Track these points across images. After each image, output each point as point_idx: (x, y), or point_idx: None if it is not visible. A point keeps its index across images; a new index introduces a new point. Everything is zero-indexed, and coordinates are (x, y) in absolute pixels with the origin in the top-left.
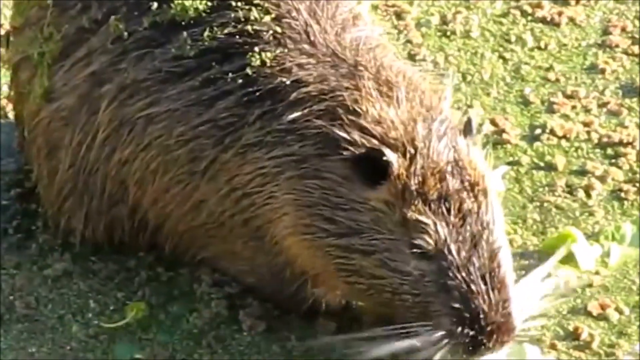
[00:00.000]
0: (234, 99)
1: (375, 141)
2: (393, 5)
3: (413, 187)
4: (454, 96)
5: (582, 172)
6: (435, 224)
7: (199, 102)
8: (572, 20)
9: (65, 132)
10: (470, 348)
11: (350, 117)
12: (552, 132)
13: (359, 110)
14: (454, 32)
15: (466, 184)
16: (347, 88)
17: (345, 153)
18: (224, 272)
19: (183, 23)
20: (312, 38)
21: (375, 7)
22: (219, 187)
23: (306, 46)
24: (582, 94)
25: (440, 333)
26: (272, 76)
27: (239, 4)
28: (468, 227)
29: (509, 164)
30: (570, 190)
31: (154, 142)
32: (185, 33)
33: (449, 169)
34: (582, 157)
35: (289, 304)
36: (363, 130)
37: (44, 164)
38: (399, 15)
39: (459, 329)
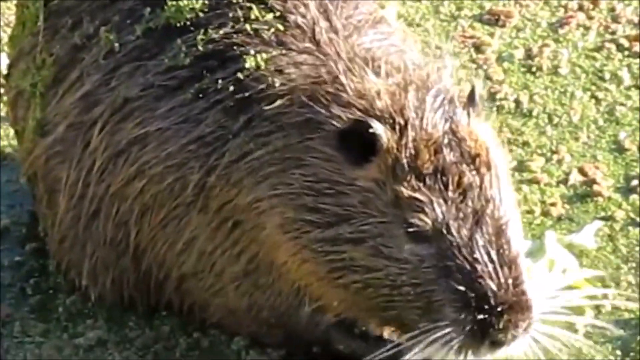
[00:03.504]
0: (222, 109)
1: (359, 113)
2: (472, 37)
3: (405, 162)
4: (538, 141)
5: None
6: (431, 200)
7: (190, 118)
8: None
9: (62, 170)
10: (481, 335)
11: (331, 95)
12: None
13: (339, 87)
14: (540, 68)
15: (466, 156)
16: (329, 73)
17: (328, 130)
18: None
19: (178, 26)
20: (317, 37)
21: (451, 38)
22: (209, 219)
23: (308, 45)
24: None
25: (445, 326)
26: (263, 78)
27: (240, 0)
28: (469, 203)
29: (600, 219)
30: None
31: (146, 169)
32: (179, 39)
33: (445, 140)
34: None
35: (306, 340)
36: (345, 104)
37: (47, 213)
38: (478, 48)
39: (464, 314)
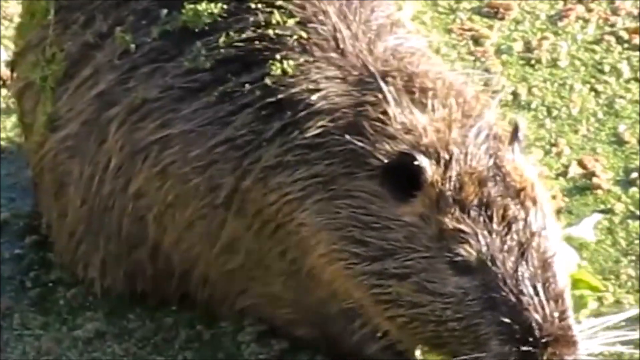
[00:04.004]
0: (252, 113)
1: (405, 147)
2: (470, 29)
3: (449, 194)
4: (537, 133)
5: None
6: (476, 232)
7: (215, 121)
8: None
9: (74, 165)
10: None
11: (377, 128)
12: None
13: (385, 119)
14: (539, 61)
15: (510, 190)
16: (373, 103)
17: (374, 165)
18: (269, 322)
19: (196, 30)
20: (341, 45)
21: (449, 31)
22: (249, 222)
23: (334, 55)
24: None
25: (490, 358)
26: (294, 86)
27: (259, 6)
28: (514, 235)
29: (600, 212)
30: None
31: (169, 170)
32: (199, 42)
33: (490, 174)
34: None
35: (348, 350)
36: (391, 138)
37: (54, 206)
38: (476, 41)
39: (509, 346)
